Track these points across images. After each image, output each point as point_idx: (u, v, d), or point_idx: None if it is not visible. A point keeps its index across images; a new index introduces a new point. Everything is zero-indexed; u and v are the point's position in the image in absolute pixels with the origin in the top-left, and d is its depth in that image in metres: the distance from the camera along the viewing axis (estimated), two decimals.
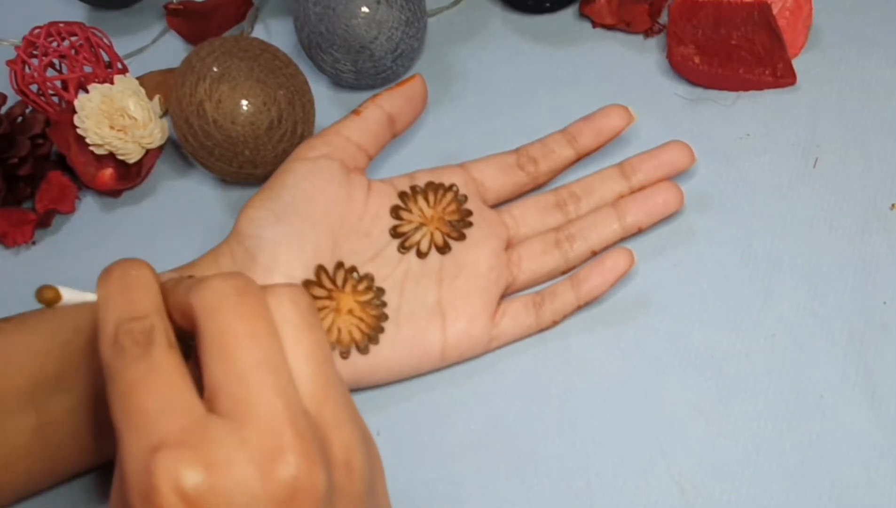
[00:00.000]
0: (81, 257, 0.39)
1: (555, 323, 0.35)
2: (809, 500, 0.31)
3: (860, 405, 0.32)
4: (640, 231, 0.36)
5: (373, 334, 0.32)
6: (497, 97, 0.42)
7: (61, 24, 0.41)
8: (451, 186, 0.36)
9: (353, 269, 0.34)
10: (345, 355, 0.32)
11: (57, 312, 0.31)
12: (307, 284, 0.32)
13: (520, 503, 0.31)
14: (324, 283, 0.33)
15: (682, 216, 0.37)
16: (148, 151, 0.40)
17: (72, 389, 0.30)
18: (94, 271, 0.39)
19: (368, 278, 0.34)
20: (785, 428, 0.32)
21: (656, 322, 0.35)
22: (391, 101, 0.36)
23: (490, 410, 0.33)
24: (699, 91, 0.41)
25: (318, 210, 0.33)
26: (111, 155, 0.39)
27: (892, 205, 0.37)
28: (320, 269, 0.32)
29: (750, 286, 0.35)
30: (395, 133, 0.36)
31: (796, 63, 0.40)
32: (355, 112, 0.35)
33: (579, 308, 0.35)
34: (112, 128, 0.38)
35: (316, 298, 0.32)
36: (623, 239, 0.36)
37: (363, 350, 0.32)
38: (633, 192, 0.36)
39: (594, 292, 0.34)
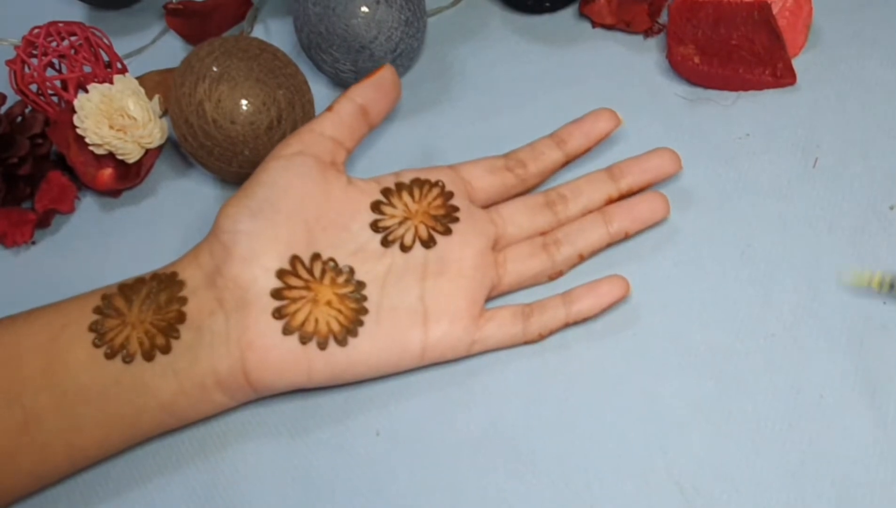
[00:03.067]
0: (81, 257, 0.39)
1: (541, 337, 0.34)
2: (809, 500, 0.31)
3: (860, 405, 0.32)
4: (626, 237, 0.36)
5: (351, 326, 0.32)
6: (496, 97, 0.42)
7: (61, 24, 0.41)
8: (438, 182, 0.35)
9: (331, 261, 0.33)
10: (322, 345, 0.32)
11: (46, 309, 0.32)
12: (282, 273, 0.32)
13: (519, 503, 0.31)
14: (300, 273, 0.32)
15: (681, 216, 0.37)
16: (147, 151, 0.40)
17: (58, 384, 0.30)
18: (93, 270, 0.39)
19: (348, 270, 0.33)
20: (785, 428, 0.32)
21: (656, 322, 0.35)
22: (362, 92, 0.35)
23: (490, 410, 0.33)
24: (699, 91, 0.41)
25: (291, 204, 0.33)
26: (111, 155, 0.39)
27: (892, 206, 0.37)
28: (295, 258, 0.32)
29: (750, 286, 0.35)
30: (371, 124, 0.36)
31: (796, 63, 0.40)
32: (328, 109, 0.35)
33: (567, 326, 0.34)
34: (111, 128, 0.38)
35: (292, 288, 0.32)
36: (610, 245, 0.36)
37: (341, 342, 0.32)
38: (621, 195, 0.37)
39: (585, 313, 0.34)
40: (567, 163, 0.38)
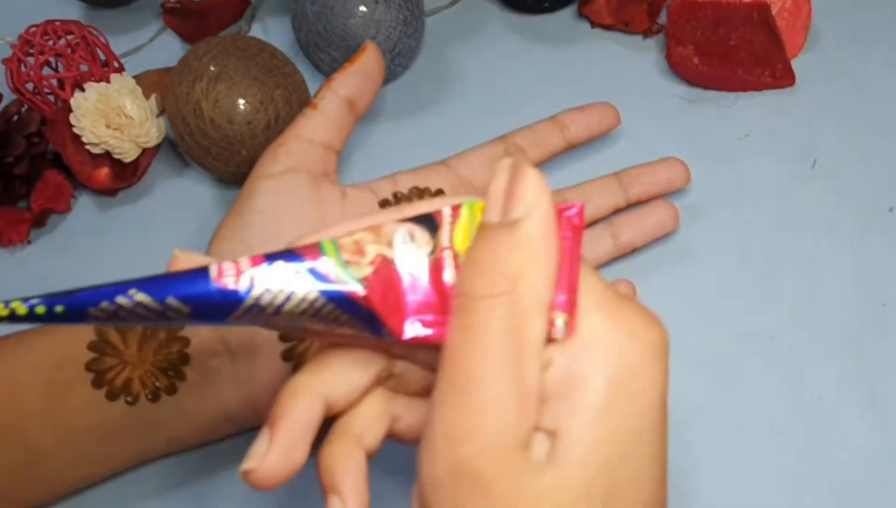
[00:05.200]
0: (77, 257, 0.39)
1: None
2: (807, 501, 0.31)
3: (858, 406, 0.32)
4: (634, 251, 0.36)
5: None
6: (495, 97, 0.42)
7: (58, 23, 0.40)
8: (438, 191, 0.34)
9: None
10: None
11: (38, 345, 0.30)
12: None
13: None
14: None
15: (680, 216, 0.37)
16: (144, 151, 0.40)
17: (61, 425, 0.29)
18: (89, 270, 0.39)
19: None
20: (783, 429, 0.32)
21: None
22: (347, 83, 0.33)
23: None
24: (698, 91, 0.41)
25: (290, 234, 0.31)
26: (107, 154, 0.39)
27: (891, 208, 0.37)
28: None
29: (748, 287, 0.35)
30: (358, 115, 0.34)
31: (795, 64, 0.40)
32: (311, 105, 0.33)
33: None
34: (108, 127, 0.38)
35: None
36: (616, 258, 0.36)
37: None
38: (629, 204, 0.36)
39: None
40: (567, 149, 0.37)
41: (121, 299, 0.16)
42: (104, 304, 0.16)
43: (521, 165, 0.18)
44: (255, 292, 0.17)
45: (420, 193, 0.34)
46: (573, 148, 0.37)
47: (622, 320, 0.19)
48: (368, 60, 0.34)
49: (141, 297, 0.16)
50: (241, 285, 0.17)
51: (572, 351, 0.18)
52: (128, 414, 0.29)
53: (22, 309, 0.16)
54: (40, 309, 0.16)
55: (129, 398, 0.29)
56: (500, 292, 0.17)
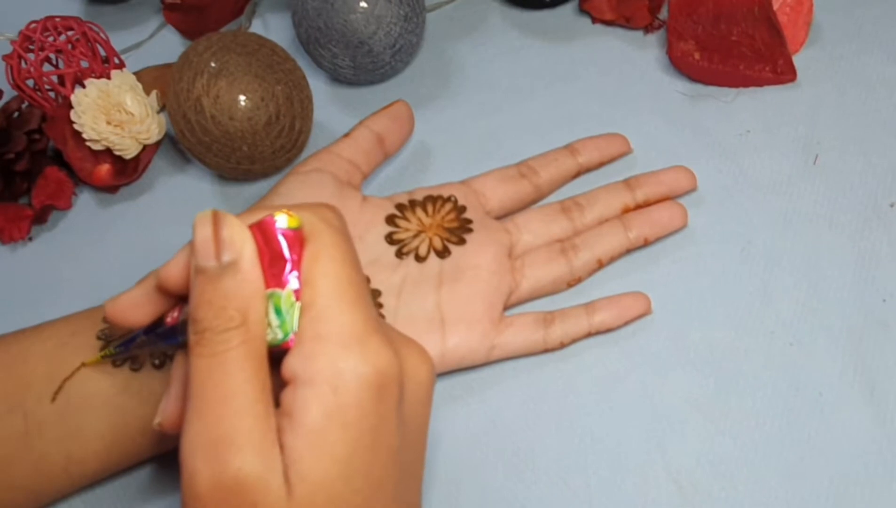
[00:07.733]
0: (78, 254, 0.39)
1: (562, 345, 0.34)
2: (808, 497, 0.31)
3: (859, 402, 0.32)
4: (646, 243, 0.36)
5: None
6: (496, 93, 0.42)
7: (58, 19, 0.40)
8: (450, 197, 0.36)
9: None
10: None
11: (56, 320, 0.31)
12: None
13: (518, 501, 0.31)
14: None
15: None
16: (145, 147, 0.40)
17: (63, 390, 0.29)
18: (90, 267, 0.39)
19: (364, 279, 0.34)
20: (783, 425, 0.32)
21: (655, 319, 0.35)
22: (378, 121, 0.37)
23: (489, 408, 0.33)
24: (699, 87, 0.41)
25: None
26: (108, 150, 0.39)
27: (892, 204, 0.37)
28: None
29: (749, 283, 0.35)
30: (387, 153, 0.37)
31: (797, 59, 0.40)
32: (346, 135, 0.36)
33: (589, 335, 0.34)
34: (109, 123, 0.38)
35: None
36: (629, 251, 0.36)
37: None
38: (637, 205, 0.36)
39: (607, 324, 0.34)
40: (580, 174, 0.38)
41: (138, 339, 0.26)
42: (135, 342, 0.26)
43: (220, 214, 0.22)
44: (178, 324, 0.24)
45: (433, 199, 0.36)
46: (585, 172, 0.38)
47: (351, 355, 0.21)
48: (398, 106, 0.37)
49: (143, 338, 0.25)
50: (172, 321, 0.25)
51: (299, 377, 0.21)
52: (129, 383, 0.30)
53: (109, 351, 0.28)
54: (117, 349, 0.27)
55: (134, 366, 0.30)
56: (236, 324, 0.21)
